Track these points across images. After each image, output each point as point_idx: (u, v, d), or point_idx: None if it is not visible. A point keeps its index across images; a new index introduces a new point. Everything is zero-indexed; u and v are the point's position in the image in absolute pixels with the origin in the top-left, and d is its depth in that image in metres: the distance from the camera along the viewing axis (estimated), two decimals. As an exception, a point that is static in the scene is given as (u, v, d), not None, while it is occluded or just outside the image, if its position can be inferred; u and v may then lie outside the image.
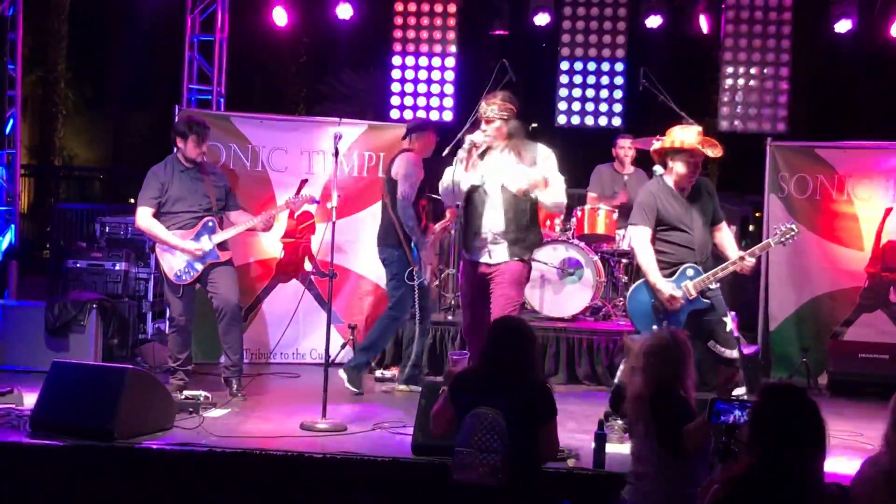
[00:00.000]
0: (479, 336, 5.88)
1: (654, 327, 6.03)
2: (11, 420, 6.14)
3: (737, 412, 3.94)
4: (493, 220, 6.37)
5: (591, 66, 10.14)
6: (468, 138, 6.39)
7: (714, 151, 6.46)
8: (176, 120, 8.19)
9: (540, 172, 6.31)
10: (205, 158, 7.44)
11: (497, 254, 6.39)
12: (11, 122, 9.34)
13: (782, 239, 6.49)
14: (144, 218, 7.23)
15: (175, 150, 7.34)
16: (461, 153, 6.42)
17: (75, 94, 20.50)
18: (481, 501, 4.48)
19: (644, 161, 9.22)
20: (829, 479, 3.33)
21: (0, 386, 6.82)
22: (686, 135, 6.48)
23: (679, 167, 6.46)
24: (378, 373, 8.17)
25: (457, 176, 6.37)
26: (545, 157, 6.42)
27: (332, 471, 5.62)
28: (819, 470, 3.18)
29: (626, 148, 9.69)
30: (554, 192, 6.37)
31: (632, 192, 8.93)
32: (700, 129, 6.60)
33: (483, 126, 6.39)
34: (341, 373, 7.63)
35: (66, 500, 5.63)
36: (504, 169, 6.34)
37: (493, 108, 6.36)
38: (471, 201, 6.43)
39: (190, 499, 5.64)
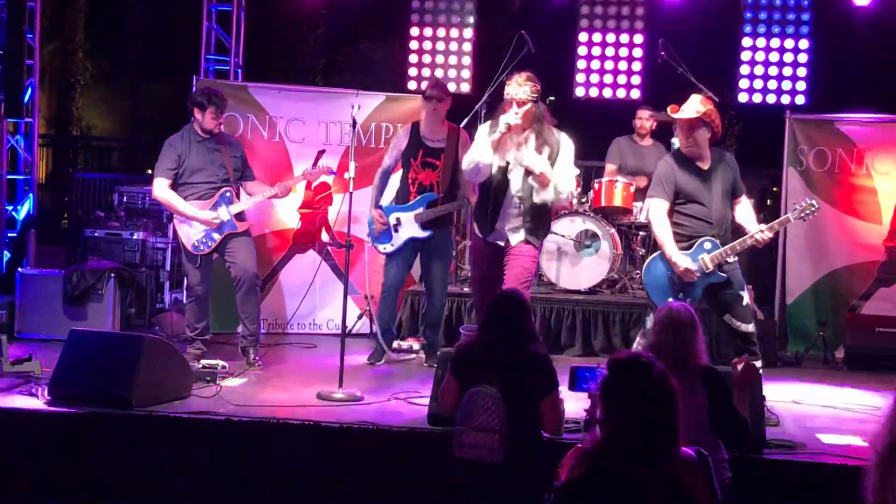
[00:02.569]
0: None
1: (670, 300, 6.01)
2: (30, 387, 6.19)
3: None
4: (512, 203, 6.35)
5: (610, 37, 10.11)
6: (503, 120, 6.26)
7: (680, 113, 6.37)
8: (193, 90, 8.19)
9: (546, 165, 6.27)
10: (222, 129, 7.45)
11: (513, 237, 6.39)
12: (30, 91, 9.35)
13: (801, 215, 6.44)
14: (161, 189, 7.24)
15: (191, 120, 7.35)
16: (494, 134, 6.29)
17: (93, 65, 20.47)
18: (484, 475, 4.51)
19: (664, 134, 9.18)
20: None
21: (19, 353, 6.88)
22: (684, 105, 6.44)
23: (679, 137, 6.48)
24: (395, 343, 8.18)
25: (487, 156, 6.30)
26: (565, 147, 6.39)
27: (348, 440, 5.65)
28: (671, 439, 3.16)
29: (644, 119, 9.62)
30: (556, 183, 6.30)
31: (650, 164, 8.88)
32: (701, 97, 6.54)
33: (515, 108, 6.24)
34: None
35: (83, 467, 5.68)
36: (528, 154, 6.29)
37: (524, 89, 6.23)
38: (490, 182, 6.40)
39: (206, 467, 5.68)
